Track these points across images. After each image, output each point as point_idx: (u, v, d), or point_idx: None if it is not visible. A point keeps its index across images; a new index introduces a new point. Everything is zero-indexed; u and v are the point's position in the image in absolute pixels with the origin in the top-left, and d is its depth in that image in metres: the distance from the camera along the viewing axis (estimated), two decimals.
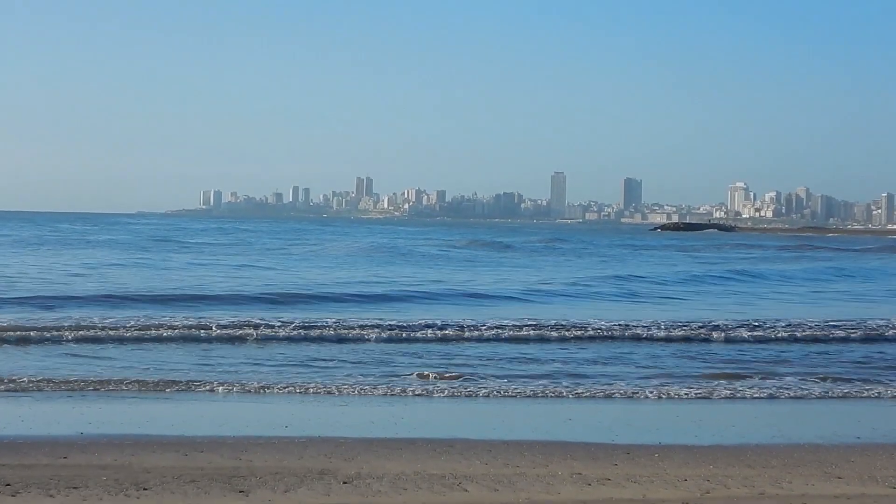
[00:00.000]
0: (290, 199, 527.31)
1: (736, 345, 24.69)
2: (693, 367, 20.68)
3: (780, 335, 25.77)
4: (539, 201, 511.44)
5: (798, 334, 25.94)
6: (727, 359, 22.11)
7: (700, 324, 26.96)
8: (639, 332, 25.57)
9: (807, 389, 18.11)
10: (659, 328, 26.02)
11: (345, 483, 10.54)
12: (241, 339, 23.61)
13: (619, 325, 26.28)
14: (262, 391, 17.04)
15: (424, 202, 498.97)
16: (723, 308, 34.37)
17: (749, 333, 25.91)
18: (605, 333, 25.37)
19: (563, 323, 26.44)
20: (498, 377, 18.76)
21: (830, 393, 17.96)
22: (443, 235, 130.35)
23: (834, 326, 27.06)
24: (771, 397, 17.39)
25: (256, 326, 24.61)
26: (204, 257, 63.22)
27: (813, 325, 27.20)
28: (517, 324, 26.11)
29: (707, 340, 25.19)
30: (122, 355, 21.07)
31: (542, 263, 65.68)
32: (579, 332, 25.29)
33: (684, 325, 26.62)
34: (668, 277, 50.54)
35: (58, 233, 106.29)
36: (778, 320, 28.06)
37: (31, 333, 23.07)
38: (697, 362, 21.48)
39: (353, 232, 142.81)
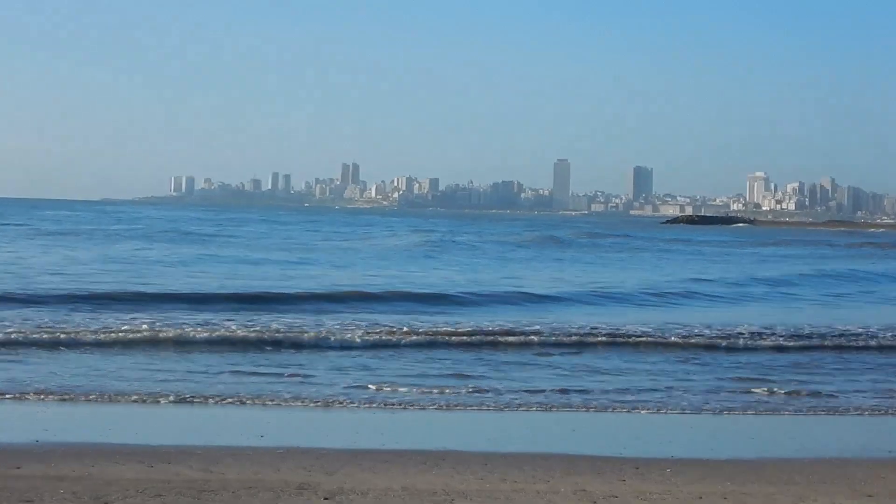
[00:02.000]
0: (269, 187, 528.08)
1: None
2: None
3: None
4: (540, 191, 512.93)
5: None
6: None
7: None
8: None
9: None
10: None
11: (326, 499, 10.51)
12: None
13: None
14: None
15: (416, 191, 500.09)
16: None
17: None
18: None
19: None
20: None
21: None
22: (457, 228, 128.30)
23: None
24: None
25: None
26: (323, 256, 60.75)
27: None
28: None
29: None
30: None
31: (637, 261, 65.44)
32: None
33: None
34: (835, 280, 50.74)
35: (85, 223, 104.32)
36: None
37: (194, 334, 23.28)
38: None
39: (367, 224, 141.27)
